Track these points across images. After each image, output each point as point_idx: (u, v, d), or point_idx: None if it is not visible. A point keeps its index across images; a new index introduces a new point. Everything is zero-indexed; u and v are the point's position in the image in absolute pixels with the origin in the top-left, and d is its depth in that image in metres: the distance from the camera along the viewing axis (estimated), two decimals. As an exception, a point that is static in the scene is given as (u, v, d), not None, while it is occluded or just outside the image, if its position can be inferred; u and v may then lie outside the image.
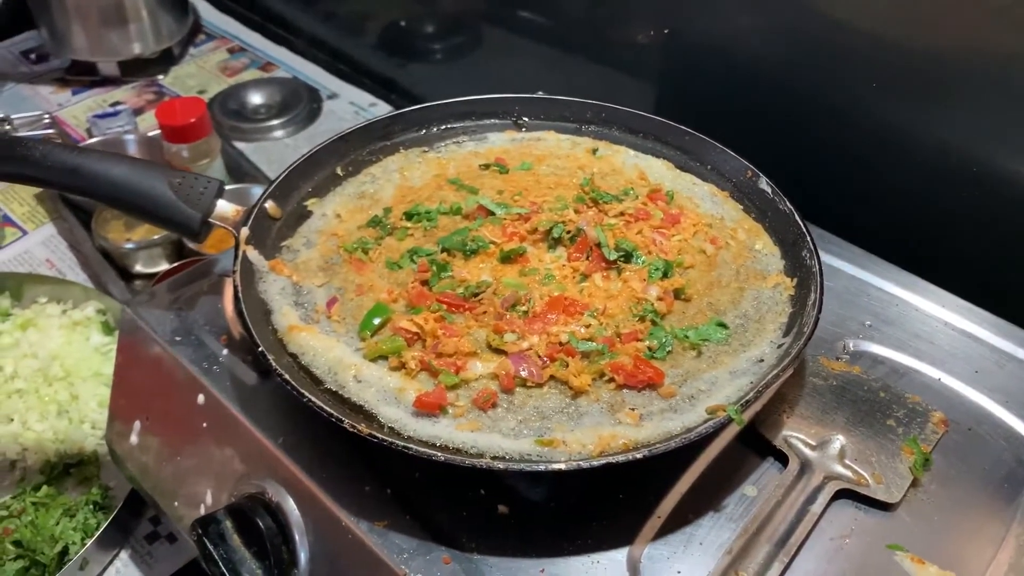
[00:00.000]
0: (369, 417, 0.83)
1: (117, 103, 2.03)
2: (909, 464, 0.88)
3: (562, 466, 0.76)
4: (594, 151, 1.18)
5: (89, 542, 1.10)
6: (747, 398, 0.82)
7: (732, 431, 0.90)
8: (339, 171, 1.13)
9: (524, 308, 0.92)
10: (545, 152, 1.18)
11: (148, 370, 1.02)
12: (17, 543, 1.13)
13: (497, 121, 1.23)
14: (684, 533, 0.83)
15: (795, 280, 0.98)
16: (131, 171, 0.96)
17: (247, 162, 1.78)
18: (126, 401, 1.05)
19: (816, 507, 0.84)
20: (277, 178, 1.06)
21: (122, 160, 0.97)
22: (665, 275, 0.96)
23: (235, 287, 0.92)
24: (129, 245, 1.52)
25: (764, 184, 1.08)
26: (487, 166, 1.14)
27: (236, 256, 0.96)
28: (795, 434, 0.91)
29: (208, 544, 0.85)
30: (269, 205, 1.03)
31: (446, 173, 1.13)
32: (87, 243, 1.57)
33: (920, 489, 0.87)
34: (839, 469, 0.88)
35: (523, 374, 0.86)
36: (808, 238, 0.99)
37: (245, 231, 0.98)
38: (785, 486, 0.86)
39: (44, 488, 1.20)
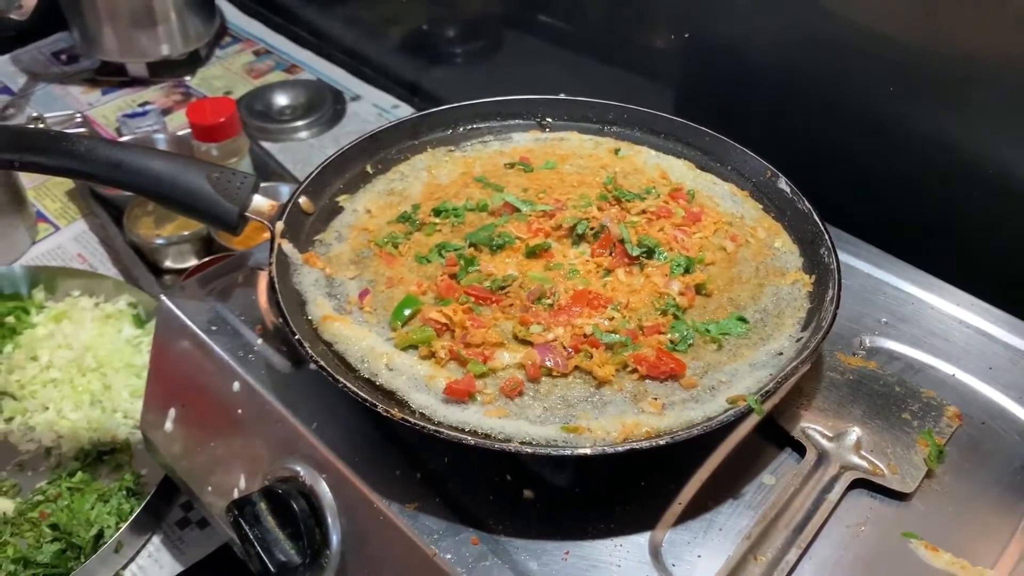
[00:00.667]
0: (401, 403, 0.86)
1: (146, 103, 2.08)
2: (924, 456, 0.90)
3: (587, 451, 0.79)
4: (616, 151, 1.20)
5: (123, 526, 1.14)
6: (767, 388, 0.85)
7: (751, 421, 0.93)
8: (369, 169, 1.16)
9: (549, 301, 0.95)
10: (568, 152, 1.21)
11: (183, 358, 1.05)
12: (54, 526, 1.17)
13: (521, 121, 1.26)
14: (704, 519, 0.85)
15: (813, 277, 1.01)
16: (171, 166, 1.00)
17: (274, 161, 1.82)
18: (161, 389, 1.09)
19: (833, 496, 0.86)
20: (310, 174, 1.09)
21: (162, 155, 1.01)
22: (687, 271, 0.99)
23: (271, 278, 0.95)
24: (159, 241, 1.56)
25: (783, 184, 1.11)
26: (512, 165, 1.17)
27: (272, 249, 0.99)
28: (812, 426, 0.93)
29: (244, 525, 0.88)
30: (303, 200, 1.07)
31: (472, 171, 1.16)
32: (118, 239, 1.61)
33: (935, 480, 0.90)
34: (855, 460, 0.90)
35: (548, 364, 0.89)
36: (826, 236, 1.02)
37: (280, 225, 1.01)
38: (803, 475, 0.89)
39: (79, 474, 1.24)
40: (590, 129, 1.25)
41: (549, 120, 1.26)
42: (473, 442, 0.80)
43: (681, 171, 1.18)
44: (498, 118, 1.26)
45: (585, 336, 0.91)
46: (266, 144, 1.92)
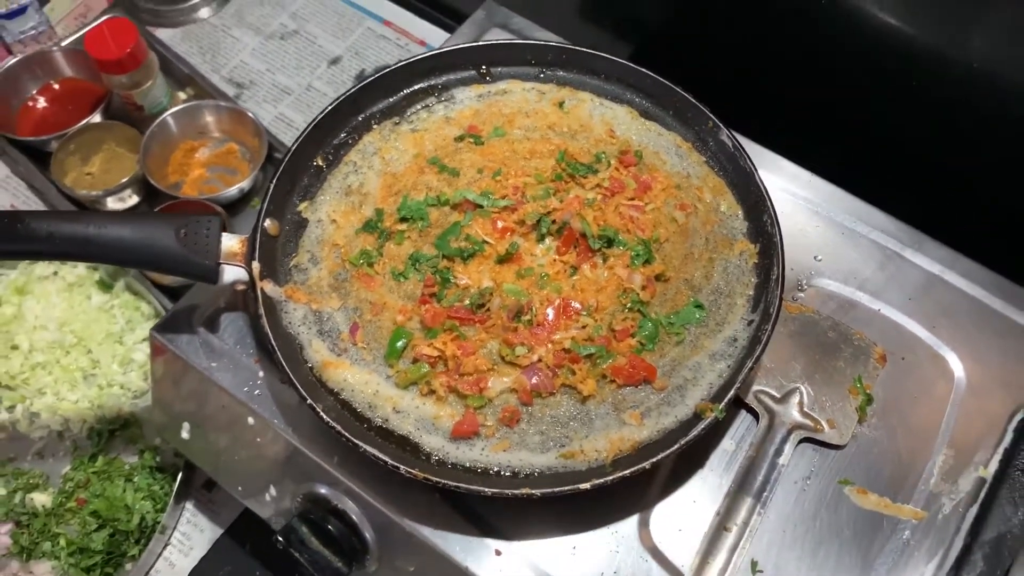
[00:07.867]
0: (414, 447, 0.98)
1: (16, -8, 1.86)
2: (855, 405, 1.07)
3: (587, 486, 0.93)
4: (560, 104, 1.21)
5: (163, 516, 1.27)
6: (729, 396, 0.98)
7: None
8: (319, 161, 1.16)
9: (528, 317, 1.03)
10: (514, 109, 1.21)
11: (190, 389, 1.12)
12: (95, 514, 1.29)
13: (462, 74, 1.24)
14: (679, 495, 1.03)
15: (758, 247, 1.10)
16: (140, 231, 0.99)
17: (181, 62, 1.71)
18: (169, 411, 1.17)
19: (783, 459, 1.04)
20: (267, 193, 1.09)
21: (126, 220, 1.00)
22: (646, 261, 1.07)
23: (265, 332, 1.01)
24: (96, 193, 1.52)
25: (725, 137, 1.16)
26: (461, 138, 1.18)
27: (256, 296, 1.03)
28: (763, 388, 1.08)
29: (295, 552, 1.02)
30: (268, 224, 1.08)
31: (424, 152, 1.17)
32: (50, 189, 1.56)
33: (865, 424, 1.07)
34: (799, 419, 1.07)
35: (536, 383, 1.00)
36: (768, 203, 1.10)
37: (256, 266, 1.04)
38: (758, 440, 1.05)
39: (100, 459, 1.34)
40: (530, 75, 1.25)
41: (485, 68, 1.24)
42: (491, 493, 0.93)
43: (626, 122, 1.20)
44: (436, 74, 1.23)
45: (565, 351, 1.02)
46: (163, 33, 1.79)
